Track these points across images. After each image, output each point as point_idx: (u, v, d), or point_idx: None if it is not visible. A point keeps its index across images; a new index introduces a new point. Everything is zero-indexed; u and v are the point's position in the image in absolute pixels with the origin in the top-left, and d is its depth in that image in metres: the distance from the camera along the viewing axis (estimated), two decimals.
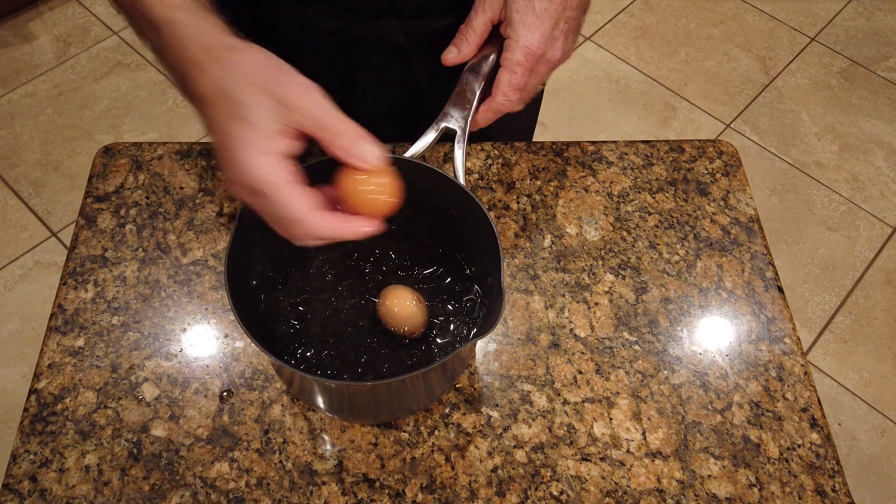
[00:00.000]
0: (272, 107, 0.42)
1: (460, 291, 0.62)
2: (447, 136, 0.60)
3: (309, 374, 0.58)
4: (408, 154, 0.59)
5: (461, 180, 0.58)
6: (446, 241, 0.62)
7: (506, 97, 0.60)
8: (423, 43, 0.71)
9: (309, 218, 0.42)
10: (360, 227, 0.45)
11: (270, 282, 0.61)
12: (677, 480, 0.59)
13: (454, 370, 0.60)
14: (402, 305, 0.58)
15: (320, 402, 0.59)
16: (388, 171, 0.45)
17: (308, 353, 0.60)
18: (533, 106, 0.93)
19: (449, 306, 0.62)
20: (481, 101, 0.62)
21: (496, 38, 0.63)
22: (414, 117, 0.74)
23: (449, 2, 0.69)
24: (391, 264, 0.64)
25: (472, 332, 0.60)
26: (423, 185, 0.56)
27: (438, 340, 0.61)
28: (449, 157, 0.76)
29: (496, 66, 0.62)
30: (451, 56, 0.62)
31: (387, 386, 0.54)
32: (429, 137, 0.59)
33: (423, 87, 0.77)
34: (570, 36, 0.61)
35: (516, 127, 0.92)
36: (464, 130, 0.60)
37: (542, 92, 0.93)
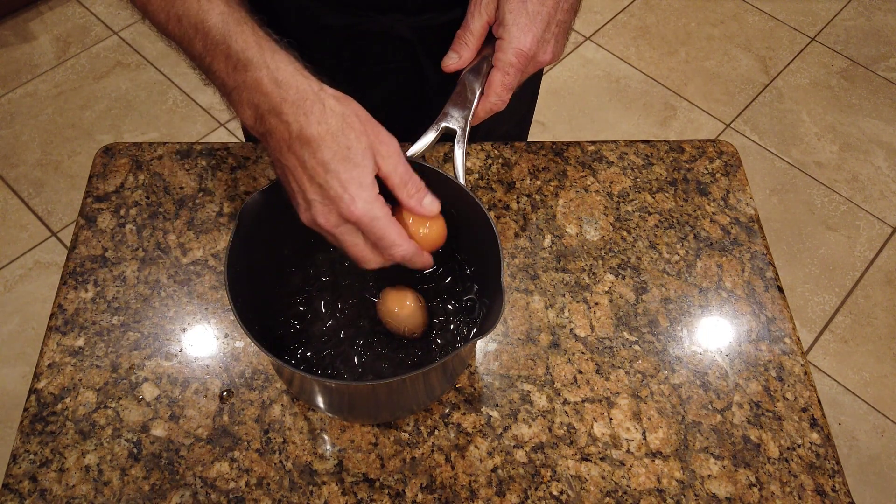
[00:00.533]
0: (370, 154, 0.50)
1: (460, 291, 0.62)
2: (447, 136, 0.60)
3: (309, 374, 0.58)
4: (408, 154, 0.59)
5: (461, 180, 0.58)
6: (446, 240, 0.62)
7: (499, 97, 0.61)
8: (430, 37, 0.71)
9: (403, 242, 0.51)
10: (428, 260, 0.54)
11: (270, 282, 0.61)
12: (677, 480, 0.59)
13: (454, 370, 0.60)
14: (402, 305, 0.58)
15: (320, 402, 0.59)
16: (440, 217, 0.54)
17: (308, 353, 0.60)
18: (529, 102, 0.93)
19: (449, 306, 0.62)
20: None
21: (490, 38, 0.63)
22: (418, 114, 0.74)
23: None
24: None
25: (472, 332, 0.60)
26: None
27: (438, 340, 0.61)
28: (449, 157, 0.76)
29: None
30: (453, 62, 0.63)
31: (387, 386, 0.54)
32: (429, 137, 0.59)
33: (432, 80, 0.77)
34: (560, 39, 0.62)
35: (513, 124, 0.92)
36: (464, 130, 0.60)
37: (538, 88, 0.93)
